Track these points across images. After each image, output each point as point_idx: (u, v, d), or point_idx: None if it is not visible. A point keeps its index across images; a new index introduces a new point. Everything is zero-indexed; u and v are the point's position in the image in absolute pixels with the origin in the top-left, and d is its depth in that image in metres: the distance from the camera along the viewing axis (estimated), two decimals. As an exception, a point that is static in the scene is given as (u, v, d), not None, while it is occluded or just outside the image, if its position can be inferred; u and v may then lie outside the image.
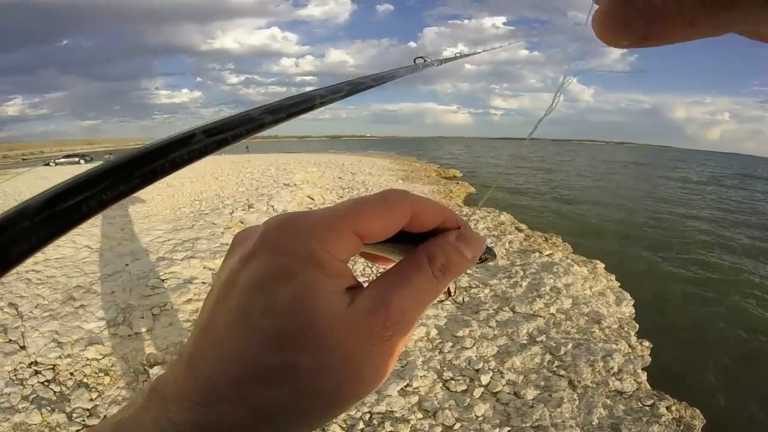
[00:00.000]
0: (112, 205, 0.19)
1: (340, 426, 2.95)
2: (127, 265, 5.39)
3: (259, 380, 0.25)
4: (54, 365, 3.47)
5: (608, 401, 3.39)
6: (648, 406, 3.39)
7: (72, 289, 4.66)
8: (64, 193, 0.17)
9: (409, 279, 0.30)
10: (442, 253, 0.31)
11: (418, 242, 0.32)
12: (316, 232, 0.27)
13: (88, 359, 3.58)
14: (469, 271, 5.53)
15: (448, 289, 0.36)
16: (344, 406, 0.28)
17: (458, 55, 0.75)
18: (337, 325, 0.26)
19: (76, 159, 34.21)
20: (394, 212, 0.30)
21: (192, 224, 7.50)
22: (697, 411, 3.46)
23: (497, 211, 9.97)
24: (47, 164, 32.05)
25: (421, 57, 0.52)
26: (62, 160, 34.57)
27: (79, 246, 6.13)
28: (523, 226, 8.73)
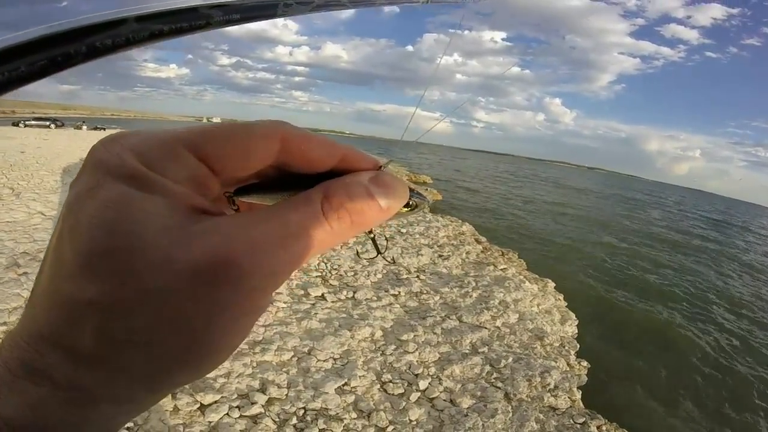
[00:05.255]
0: (5, 93, 0.16)
1: (273, 420, 2.96)
2: (78, 236, 5.24)
3: (67, 320, 0.20)
4: (-12, 332, 3.38)
5: (541, 416, 3.49)
6: (579, 423, 3.51)
7: (18, 255, 4.53)
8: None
9: (284, 214, 0.23)
10: (346, 192, 0.24)
11: None
12: (136, 145, 0.22)
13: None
14: (422, 277, 5.58)
15: (376, 245, 0.30)
16: (185, 368, 0.22)
17: None
18: (151, 252, 0.20)
19: (47, 123, 33.22)
20: (254, 137, 0.24)
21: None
22: (627, 432, 3.60)
23: (459, 220, 10.10)
24: (16, 124, 31.18)
25: None
26: (32, 122, 33.63)
27: (32, 211, 5.97)
28: (483, 239, 8.88)
